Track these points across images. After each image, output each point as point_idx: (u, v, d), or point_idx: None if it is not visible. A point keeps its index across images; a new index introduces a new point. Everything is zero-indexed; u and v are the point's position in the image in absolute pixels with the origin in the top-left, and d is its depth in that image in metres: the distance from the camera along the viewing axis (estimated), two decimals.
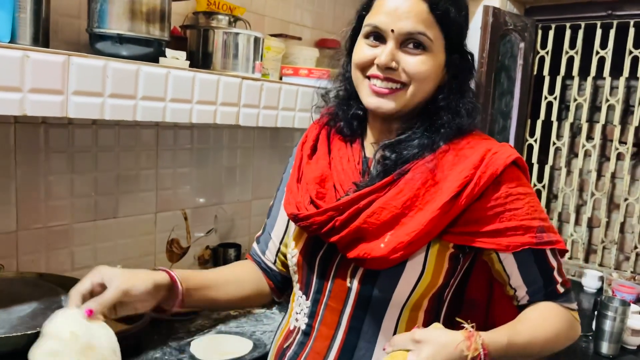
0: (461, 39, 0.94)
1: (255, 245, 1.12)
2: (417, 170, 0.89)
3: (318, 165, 0.99)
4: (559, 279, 0.96)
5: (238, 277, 1.07)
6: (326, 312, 0.94)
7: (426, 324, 0.92)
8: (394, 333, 0.91)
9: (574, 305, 0.98)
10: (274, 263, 1.10)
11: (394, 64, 0.88)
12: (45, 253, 1.44)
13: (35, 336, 0.77)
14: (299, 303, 0.99)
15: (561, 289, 0.96)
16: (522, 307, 0.96)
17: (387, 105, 0.90)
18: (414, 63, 0.88)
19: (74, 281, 1.17)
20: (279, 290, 1.11)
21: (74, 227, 1.50)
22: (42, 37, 1.17)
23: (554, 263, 0.95)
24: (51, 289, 1.14)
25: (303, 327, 0.97)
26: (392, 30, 0.87)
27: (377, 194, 0.89)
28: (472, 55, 0.96)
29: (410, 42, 0.88)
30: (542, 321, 0.92)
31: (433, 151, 0.90)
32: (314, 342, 0.95)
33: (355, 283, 0.91)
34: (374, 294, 0.90)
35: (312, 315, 0.96)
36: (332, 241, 0.91)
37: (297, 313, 0.99)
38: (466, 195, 0.87)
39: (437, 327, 0.85)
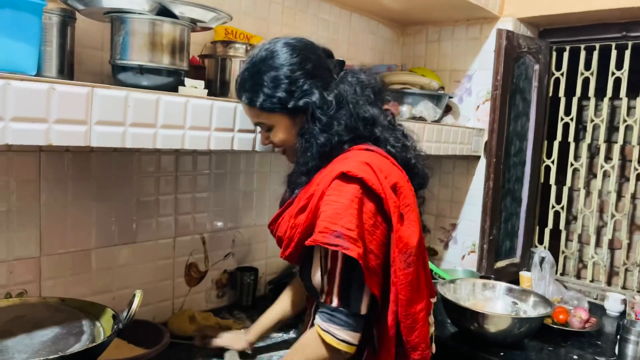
0: (284, 102, 1.14)
1: None
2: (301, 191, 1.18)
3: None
4: (325, 287, 1.07)
5: (285, 307, 1.47)
6: None
7: None
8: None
9: (334, 329, 1.05)
10: None
11: (267, 141, 1.26)
12: (67, 278, 1.47)
13: None
14: None
15: (323, 297, 1.07)
16: None
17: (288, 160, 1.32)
18: (272, 136, 1.23)
19: (94, 306, 1.20)
20: None
21: (94, 252, 1.53)
22: (67, 69, 1.22)
23: (327, 264, 1.06)
24: (73, 314, 1.16)
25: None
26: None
27: (285, 212, 1.22)
28: (308, 103, 1.14)
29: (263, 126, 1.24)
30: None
31: (310, 178, 1.17)
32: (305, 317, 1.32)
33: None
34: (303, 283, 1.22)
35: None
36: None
37: None
38: (310, 208, 1.09)
39: None
